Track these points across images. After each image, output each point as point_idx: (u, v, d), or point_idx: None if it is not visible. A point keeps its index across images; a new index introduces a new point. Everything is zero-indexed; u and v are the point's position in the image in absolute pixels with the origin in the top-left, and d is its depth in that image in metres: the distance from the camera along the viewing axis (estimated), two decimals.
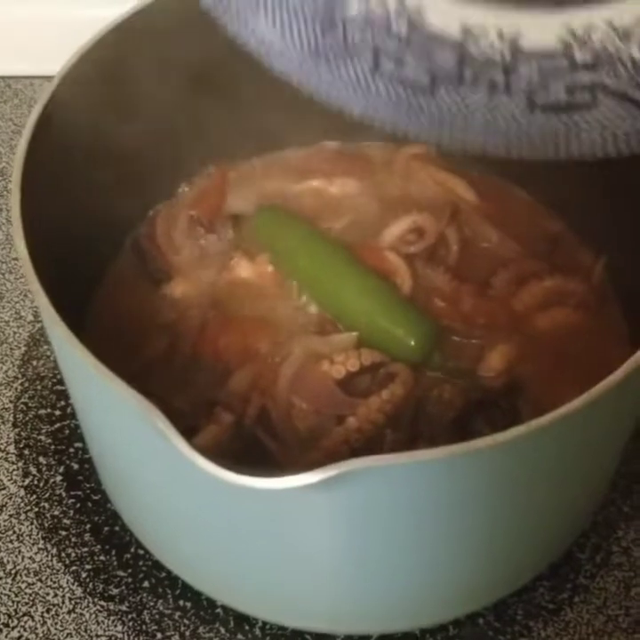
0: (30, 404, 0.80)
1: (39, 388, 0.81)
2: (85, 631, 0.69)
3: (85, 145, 0.69)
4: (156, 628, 0.69)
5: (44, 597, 0.71)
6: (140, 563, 0.72)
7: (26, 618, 0.70)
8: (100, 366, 0.54)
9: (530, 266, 0.78)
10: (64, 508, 0.75)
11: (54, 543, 0.73)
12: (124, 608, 0.70)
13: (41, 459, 0.77)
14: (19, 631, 0.69)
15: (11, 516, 0.74)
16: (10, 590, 0.71)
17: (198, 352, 0.72)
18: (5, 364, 0.83)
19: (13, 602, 0.70)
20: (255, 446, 0.67)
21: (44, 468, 0.77)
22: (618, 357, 0.56)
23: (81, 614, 0.70)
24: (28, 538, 0.73)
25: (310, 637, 0.68)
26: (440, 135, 0.50)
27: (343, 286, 0.74)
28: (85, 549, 0.73)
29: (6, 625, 0.69)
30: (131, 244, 0.81)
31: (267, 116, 0.81)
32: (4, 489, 0.76)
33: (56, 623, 0.69)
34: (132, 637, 0.69)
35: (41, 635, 0.69)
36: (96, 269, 0.79)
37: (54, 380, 0.81)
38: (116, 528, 0.73)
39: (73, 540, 0.73)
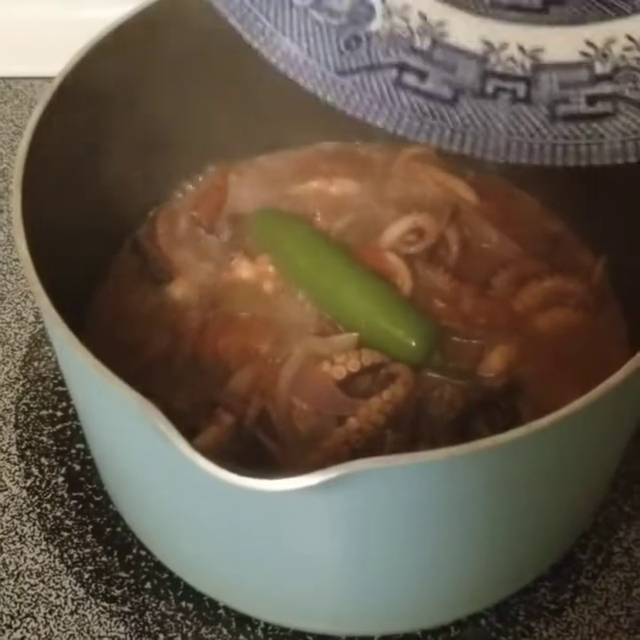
0: (32, 405, 0.80)
1: (41, 388, 0.81)
2: (88, 632, 0.69)
3: (86, 146, 0.69)
4: (158, 629, 0.69)
5: (46, 598, 0.71)
6: (142, 564, 0.72)
7: (28, 619, 0.70)
8: (101, 367, 0.54)
9: (530, 266, 0.78)
10: (66, 510, 0.75)
11: (56, 544, 0.73)
12: (126, 609, 0.70)
13: (43, 460, 0.77)
14: (21, 632, 0.69)
15: (13, 517, 0.74)
16: (12, 591, 0.71)
17: (198, 353, 0.73)
18: (7, 365, 0.83)
19: (16, 603, 0.70)
20: (255, 447, 0.67)
21: (45, 470, 0.77)
22: (617, 358, 0.56)
23: (83, 615, 0.70)
24: (30, 539, 0.73)
25: (312, 638, 0.69)
26: (463, 145, 0.51)
27: (343, 287, 0.74)
28: (87, 550, 0.73)
29: (9, 626, 0.69)
30: (131, 244, 0.81)
31: (267, 117, 0.81)
32: (6, 490, 0.76)
33: (58, 624, 0.69)
34: (134, 638, 0.69)
35: (43, 636, 0.69)
36: (97, 270, 0.79)
37: (56, 381, 0.81)
38: (118, 529, 0.73)
39: (75, 541, 0.73)
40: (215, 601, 0.70)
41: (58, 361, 0.78)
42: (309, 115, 0.83)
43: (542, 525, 0.65)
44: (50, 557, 0.73)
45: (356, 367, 0.69)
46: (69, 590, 0.71)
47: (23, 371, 0.82)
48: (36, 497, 0.75)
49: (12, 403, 0.80)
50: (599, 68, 0.47)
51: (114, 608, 0.70)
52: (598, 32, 0.46)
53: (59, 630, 0.69)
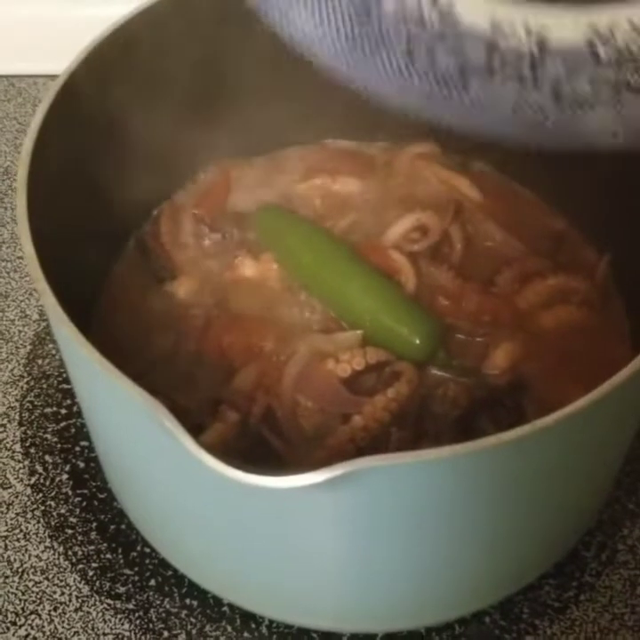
0: (36, 403, 0.80)
1: (45, 386, 0.81)
2: (92, 629, 0.69)
3: (90, 144, 0.69)
4: (162, 626, 0.69)
5: (50, 596, 0.71)
6: (147, 561, 0.72)
7: (33, 616, 0.70)
8: (107, 364, 0.54)
9: (534, 264, 0.78)
10: (70, 507, 0.75)
11: (61, 542, 0.73)
12: (130, 606, 0.70)
13: (47, 457, 0.77)
14: (26, 629, 0.69)
15: (17, 514, 0.74)
16: (17, 588, 0.71)
17: (203, 350, 0.73)
18: (11, 362, 0.83)
19: (20, 600, 0.70)
20: (260, 445, 0.67)
21: (50, 467, 0.77)
22: (621, 355, 0.56)
23: (88, 612, 0.70)
24: (34, 536, 0.73)
25: (316, 636, 0.69)
26: (470, 124, 0.51)
27: (347, 285, 0.74)
28: (92, 548, 0.73)
29: (14, 623, 0.69)
30: (135, 243, 0.81)
31: (271, 115, 0.81)
32: (10, 487, 0.76)
33: (63, 621, 0.70)
34: (138, 636, 0.69)
35: (48, 633, 0.69)
36: (101, 268, 0.79)
37: (60, 379, 0.81)
38: (123, 526, 0.74)
39: (79, 538, 0.73)
40: (219, 598, 0.70)
41: (62, 358, 0.78)
42: (313, 113, 0.83)
43: (546, 523, 0.65)
44: (54, 555, 0.73)
45: (360, 365, 0.69)
46: (74, 587, 0.71)
47: (27, 368, 0.82)
48: (41, 494, 0.76)
49: (17, 400, 0.81)
50: (602, 53, 0.47)
51: (118, 605, 0.70)
52: (603, 16, 0.46)
53: (63, 627, 0.69)
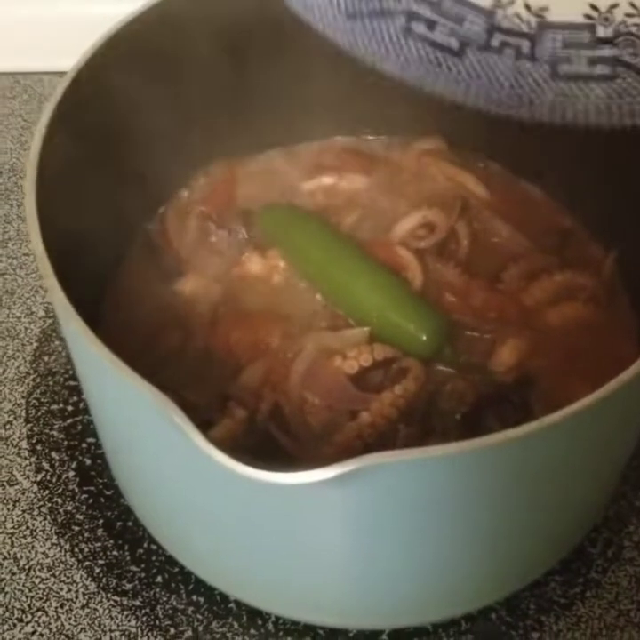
0: (42, 400, 0.80)
1: (51, 383, 0.81)
2: (99, 626, 0.69)
3: (98, 141, 0.69)
4: (169, 622, 0.69)
5: (57, 592, 0.71)
6: (153, 558, 0.72)
7: (40, 613, 0.70)
8: (117, 361, 0.54)
9: (540, 260, 0.78)
10: (77, 504, 0.75)
11: (67, 538, 0.73)
12: (137, 603, 0.70)
13: (53, 454, 0.77)
14: (33, 626, 0.69)
15: (24, 511, 0.75)
16: (23, 585, 0.71)
17: (210, 347, 0.73)
18: (17, 359, 0.83)
19: (27, 597, 0.71)
20: (268, 441, 0.67)
21: (56, 464, 0.77)
22: (627, 351, 0.56)
23: (94, 609, 0.70)
24: (41, 533, 0.74)
25: (323, 632, 0.69)
26: (466, 96, 0.52)
27: (354, 281, 0.74)
28: (98, 544, 0.73)
29: (20, 620, 0.69)
30: (142, 240, 0.81)
31: (277, 112, 0.81)
32: (16, 484, 0.76)
33: (70, 618, 0.70)
34: (145, 632, 0.69)
35: (55, 629, 0.69)
36: (109, 265, 0.79)
37: (66, 376, 0.81)
38: (129, 523, 0.74)
39: (86, 535, 0.73)
40: (226, 595, 0.70)
41: (69, 355, 0.78)
42: (320, 110, 0.83)
43: (552, 519, 0.65)
44: (61, 551, 0.73)
45: (367, 361, 0.69)
46: (80, 584, 0.71)
47: (34, 365, 0.82)
48: (47, 491, 0.76)
49: (23, 397, 0.81)
50: (601, 32, 0.47)
51: (125, 602, 0.70)
52: None
53: (70, 624, 0.69)
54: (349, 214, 0.81)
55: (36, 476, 0.76)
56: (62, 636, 0.69)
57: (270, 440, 0.67)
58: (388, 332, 0.72)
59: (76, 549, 0.73)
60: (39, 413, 0.80)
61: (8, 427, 0.79)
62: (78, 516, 0.74)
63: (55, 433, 0.78)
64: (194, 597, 0.70)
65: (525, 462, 0.56)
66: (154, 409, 0.52)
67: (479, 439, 0.51)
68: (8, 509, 0.75)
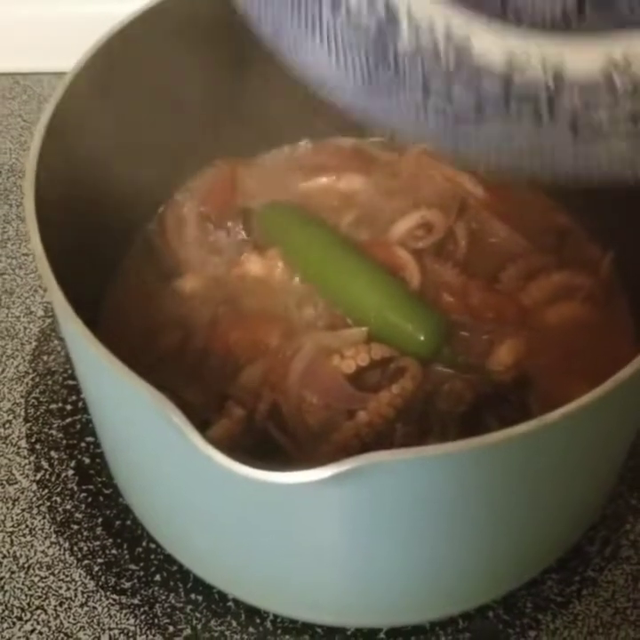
0: (41, 399, 0.81)
1: (50, 382, 0.81)
2: (97, 624, 0.69)
3: (97, 141, 0.69)
4: (167, 621, 0.69)
5: (56, 591, 0.71)
6: (152, 556, 0.72)
7: (39, 611, 0.70)
8: (115, 361, 0.54)
9: (538, 260, 0.78)
10: (76, 503, 0.75)
11: (66, 537, 0.73)
12: (135, 601, 0.70)
13: (52, 453, 0.78)
14: (32, 624, 0.69)
15: (23, 510, 0.75)
16: (23, 584, 0.71)
17: (209, 347, 0.73)
18: (16, 359, 0.83)
19: (26, 595, 0.71)
20: (266, 441, 0.67)
21: (55, 463, 0.77)
22: (625, 351, 0.56)
23: (93, 607, 0.70)
24: (40, 532, 0.74)
25: (321, 630, 0.69)
26: (488, 159, 0.51)
27: (352, 282, 0.74)
28: (97, 543, 0.73)
29: (19, 618, 0.70)
30: (141, 240, 0.81)
31: (276, 113, 0.81)
32: (16, 483, 0.76)
33: (68, 616, 0.70)
34: (143, 630, 0.69)
35: (54, 628, 0.69)
36: (108, 266, 0.79)
37: (65, 375, 0.81)
38: (128, 522, 0.74)
39: (85, 533, 0.74)
40: (224, 593, 0.70)
41: (68, 355, 0.79)
42: (318, 111, 0.83)
43: (550, 518, 0.65)
44: (60, 550, 0.73)
45: (365, 361, 0.69)
46: (79, 583, 0.71)
47: (32, 365, 0.83)
48: (46, 490, 0.76)
49: (22, 396, 0.81)
50: (619, 85, 0.47)
51: (123, 600, 0.70)
52: (619, 45, 0.46)
53: (69, 622, 0.70)
54: (347, 214, 0.81)
55: (35, 475, 0.77)
56: (61, 635, 0.69)
57: (268, 439, 0.67)
58: (386, 331, 0.72)
59: (75, 548, 0.73)
60: (38, 412, 0.80)
61: (7, 426, 0.79)
62: (77, 515, 0.74)
63: (54, 432, 0.79)
64: (192, 596, 0.71)
65: (523, 461, 0.56)
66: (152, 408, 0.52)
67: (477, 438, 0.52)
68: (7, 508, 0.75)
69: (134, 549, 0.73)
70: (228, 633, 0.69)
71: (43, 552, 0.73)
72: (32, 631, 0.69)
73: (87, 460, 0.77)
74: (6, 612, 0.70)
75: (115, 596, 0.71)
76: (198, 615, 0.70)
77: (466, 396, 0.69)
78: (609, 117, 0.47)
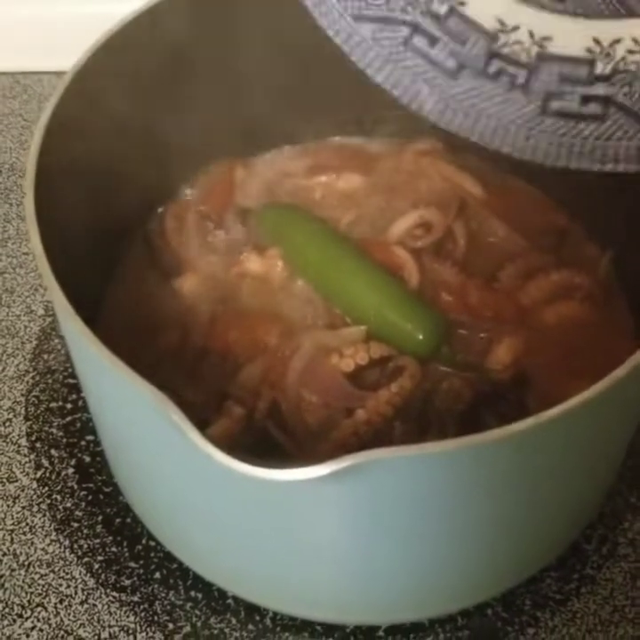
0: (42, 398, 0.81)
1: (50, 381, 0.82)
2: (97, 621, 0.70)
3: (97, 141, 0.69)
4: (167, 618, 0.70)
5: (56, 588, 0.71)
6: (152, 554, 0.72)
7: (39, 608, 0.70)
8: (115, 360, 0.54)
9: (536, 260, 0.78)
10: (76, 501, 0.75)
11: (66, 535, 0.74)
12: (135, 599, 0.71)
13: (53, 451, 0.78)
14: (32, 622, 0.70)
15: (23, 508, 0.75)
16: (23, 581, 0.71)
17: (209, 346, 0.73)
18: (17, 357, 0.83)
19: (26, 593, 0.71)
20: (265, 439, 0.67)
21: (55, 461, 0.77)
22: (624, 350, 0.56)
23: (93, 605, 0.70)
24: (40, 530, 0.74)
25: (320, 628, 0.69)
26: (450, 123, 0.51)
27: (352, 281, 0.74)
28: (97, 541, 0.73)
29: (20, 615, 0.70)
30: (141, 239, 0.81)
31: (275, 112, 0.82)
32: (16, 481, 0.76)
33: (69, 614, 0.70)
34: (143, 628, 0.69)
35: (54, 625, 0.70)
36: (108, 265, 0.79)
37: (65, 374, 0.82)
38: (128, 520, 0.74)
39: (85, 531, 0.74)
40: (224, 591, 0.70)
41: (68, 353, 0.79)
42: (317, 111, 0.84)
43: (548, 516, 0.66)
44: (60, 548, 0.73)
45: (364, 360, 0.69)
46: (79, 580, 0.72)
47: (33, 363, 0.83)
48: (47, 488, 0.76)
49: (22, 395, 0.81)
50: (599, 68, 0.47)
51: (123, 598, 0.71)
52: (607, 30, 0.46)
53: (69, 620, 0.70)
54: (347, 214, 0.82)
55: (35, 473, 0.77)
56: (61, 632, 0.69)
57: (268, 438, 0.67)
58: (385, 330, 0.72)
59: (76, 546, 0.73)
60: (38, 411, 0.80)
61: (8, 424, 0.79)
62: (77, 513, 0.75)
63: (54, 430, 0.79)
64: (192, 593, 0.71)
65: (521, 459, 0.56)
66: (152, 407, 0.52)
67: (476, 436, 0.52)
68: (8, 506, 0.75)
69: (134, 547, 0.73)
70: (227, 630, 0.69)
71: (43, 550, 0.73)
72: (32, 628, 0.69)
73: (87, 459, 0.77)
74: (7, 610, 0.70)
75: (115, 594, 0.71)
76: (198, 612, 0.70)
77: (464, 395, 0.69)
78: (581, 98, 0.48)
